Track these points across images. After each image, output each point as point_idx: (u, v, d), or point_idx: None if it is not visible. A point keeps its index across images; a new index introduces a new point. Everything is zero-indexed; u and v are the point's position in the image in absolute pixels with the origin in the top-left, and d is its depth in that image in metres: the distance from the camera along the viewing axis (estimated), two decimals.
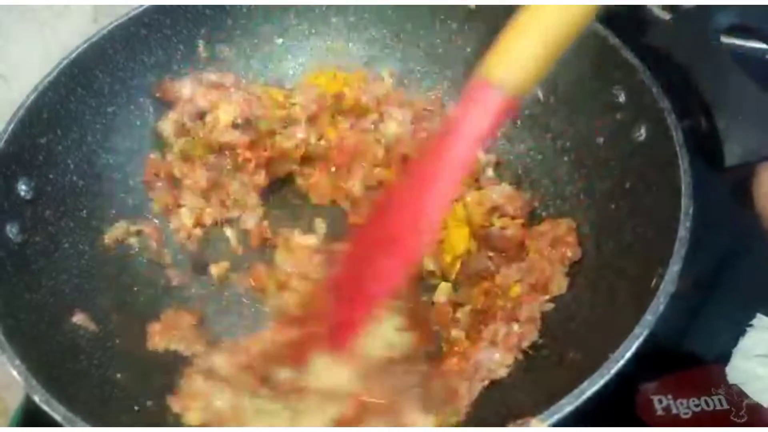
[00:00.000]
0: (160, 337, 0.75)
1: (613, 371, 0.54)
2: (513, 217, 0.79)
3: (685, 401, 0.70)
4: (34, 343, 0.63)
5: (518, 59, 0.51)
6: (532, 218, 0.81)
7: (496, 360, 0.69)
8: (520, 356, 0.69)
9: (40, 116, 0.75)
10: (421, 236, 0.56)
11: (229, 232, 0.85)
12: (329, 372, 0.63)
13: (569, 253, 0.74)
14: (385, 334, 0.65)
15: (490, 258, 0.78)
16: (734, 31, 0.74)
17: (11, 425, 0.73)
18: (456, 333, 0.73)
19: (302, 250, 0.81)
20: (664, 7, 0.78)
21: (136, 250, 0.82)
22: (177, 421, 0.65)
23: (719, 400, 0.70)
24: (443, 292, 0.78)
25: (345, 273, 0.62)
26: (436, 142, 0.54)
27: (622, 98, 0.73)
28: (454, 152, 0.53)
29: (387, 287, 0.59)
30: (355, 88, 0.91)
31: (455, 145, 0.53)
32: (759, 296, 0.77)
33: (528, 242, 0.77)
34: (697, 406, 0.70)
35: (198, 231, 0.85)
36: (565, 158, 0.81)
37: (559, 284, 0.73)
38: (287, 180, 0.89)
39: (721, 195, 0.78)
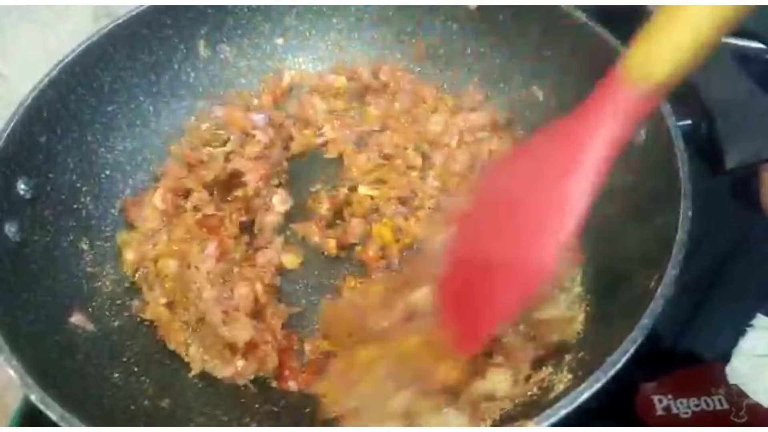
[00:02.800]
0: None
1: (609, 374, 0.54)
2: None
3: (685, 401, 0.70)
4: (31, 342, 0.62)
5: (664, 53, 0.47)
6: None
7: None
8: None
9: (40, 115, 0.75)
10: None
11: None
12: None
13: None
14: None
15: None
16: (734, 31, 0.73)
17: (11, 425, 0.73)
18: None
19: None
20: None
21: None
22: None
23: (719, 400, 0.70)
24: None
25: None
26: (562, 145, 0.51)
27: None
28: (589, 156, 0.50)
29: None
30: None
31: (589, 150, 0.50)
32: (759, 296, 0.77)
33: None
34: (696, 405, 0.70)
35: None
36: None
37: None
38: None
39: (721, 195, 0.78)
